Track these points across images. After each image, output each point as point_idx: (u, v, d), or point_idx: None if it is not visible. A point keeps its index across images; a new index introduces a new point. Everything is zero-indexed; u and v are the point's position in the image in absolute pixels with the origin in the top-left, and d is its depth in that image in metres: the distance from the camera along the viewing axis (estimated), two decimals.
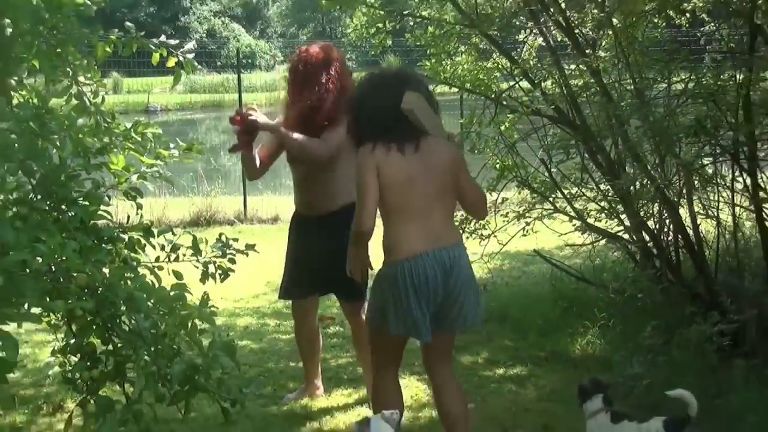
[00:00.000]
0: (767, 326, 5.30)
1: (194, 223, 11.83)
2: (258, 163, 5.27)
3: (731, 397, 4.83)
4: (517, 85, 6.96)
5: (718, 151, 5.82)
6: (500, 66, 7.17)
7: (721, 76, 5.72)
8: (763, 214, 5.74)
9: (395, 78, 4.35)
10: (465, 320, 4.26)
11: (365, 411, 5.20)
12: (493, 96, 6.85)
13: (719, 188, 6.16)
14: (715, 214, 6.24)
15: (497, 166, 6.82)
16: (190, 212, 12.25)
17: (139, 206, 4.26)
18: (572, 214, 6.65)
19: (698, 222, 6.04)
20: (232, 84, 34.23)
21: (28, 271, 3.41)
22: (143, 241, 4.11)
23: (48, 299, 3.56)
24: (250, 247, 4.32)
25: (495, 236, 6.85)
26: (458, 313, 4.19)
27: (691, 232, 5.95)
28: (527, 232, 6.95)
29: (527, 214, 6.86)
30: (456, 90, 7.36)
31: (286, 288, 5.51)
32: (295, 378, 5.92)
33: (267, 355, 6.58)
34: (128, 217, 4.23)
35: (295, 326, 5.64)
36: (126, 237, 4.06)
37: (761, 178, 5.75)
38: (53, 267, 3.61)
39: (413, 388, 5.64)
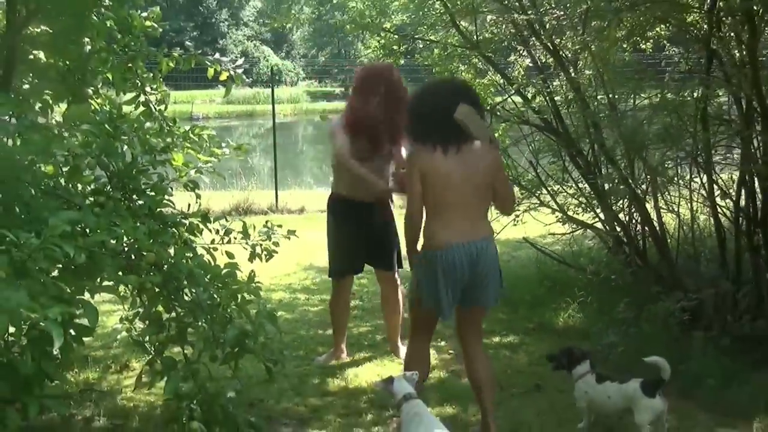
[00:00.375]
0: (721, 303, 5.25)
1: (234, 213, 11.76)
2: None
3: (692, 363, 4.80)
4: (509, 99, 6.91)
5: (681, 155, 5.76)
6: (495, 82, 7.12)
7: (682, 93, 5.67)
8: (717, 209, 5.68)
9: (446, 89, 4.23)
10: (488, 299, 4.17)
11: (383, 371, 5.19)
12: (488, 108, 6.80)
13: (679, 187, 6.10)
14: (676, 208, 6.19)
15: None
16: (230, 203, 12.14)
17: (198, 196, 4.22)
18: (555, 207, 6.59)
19: (662, 215, 5.99)
20: (262, 97, 34.18)
21: (105, 250, 3.37)
22: (201, 226, 4.07)
23: (122, 274, 3.54)
24: (291, 232, 4.27)
25: None
26: (482, 292, 4.11)
27: (655, 224, 5.90)
28: (517, 222, 6.88)
29: (516, 207, 6.79)
30: None
31: (338, 270, 5.48)
32: (323, 343, 5.88)
33: (299, 324, 6.52)
34: (188, 205, 4.17)
35: (335, 299, 5.58)
36: (186, 222, 4.01)
37: (715, 178, 5.69)
38: (126, 247, 3.58)
39: None
